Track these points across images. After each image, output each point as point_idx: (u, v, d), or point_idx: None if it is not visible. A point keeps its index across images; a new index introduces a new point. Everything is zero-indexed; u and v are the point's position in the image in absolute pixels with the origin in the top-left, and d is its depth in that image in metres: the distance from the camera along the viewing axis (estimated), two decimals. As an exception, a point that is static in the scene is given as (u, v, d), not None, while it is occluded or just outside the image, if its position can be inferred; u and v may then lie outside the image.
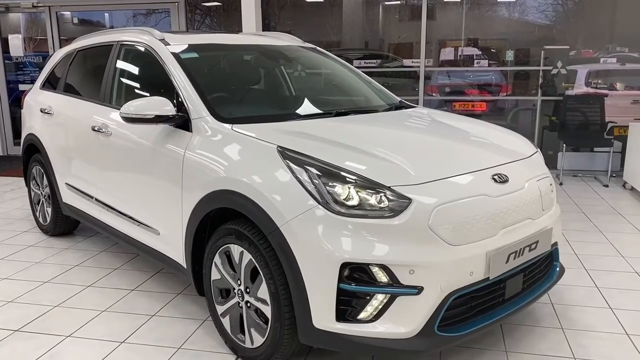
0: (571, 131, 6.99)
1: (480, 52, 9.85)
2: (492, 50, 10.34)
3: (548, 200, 2.84)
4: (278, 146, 2.55)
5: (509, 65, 9.05)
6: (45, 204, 4.65)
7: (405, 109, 3.71)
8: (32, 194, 4.87)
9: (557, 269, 3.01)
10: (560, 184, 6.35)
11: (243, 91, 3.61)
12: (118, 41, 3.83)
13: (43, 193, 4.65)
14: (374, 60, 9.23)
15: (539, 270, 2.86)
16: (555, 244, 2.93)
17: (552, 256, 2.98)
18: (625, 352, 2.83)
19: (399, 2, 12.08)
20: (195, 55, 3.48)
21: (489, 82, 9.29)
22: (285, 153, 2.50)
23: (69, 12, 9.24)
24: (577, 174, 7.06)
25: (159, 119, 2.95)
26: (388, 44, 11.22)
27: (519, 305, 2.66)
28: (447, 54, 10.31)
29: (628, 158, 6.30)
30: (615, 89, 8.11)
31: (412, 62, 8.49)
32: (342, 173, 2.38)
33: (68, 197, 4.21)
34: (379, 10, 11.44)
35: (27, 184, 4.93)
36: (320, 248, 2.27)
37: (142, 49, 3.55)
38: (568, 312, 3.25)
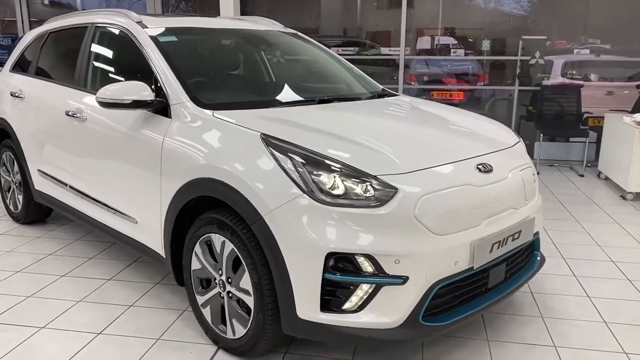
0: (548, 121, 7.07)
1: (456, 42, 9.88)
2: (469, 39, 10.38)
3: (530, 190, 2.85)
4: (262, 133, 2.49)
5: (484, 54, 9.09)
6: (16, 191, 4.51)
7: (388, 97, 3.68)
8: (2, 180, 4.71)
9: (538, 258, 3.03)
10: (537, 173, 6.41)
11: (224, 77, 3.53)
12: (93, 23, 3.70)
13: (14, 180, 4.50)
14: (352, 48, 9.19)
15: (521, 260, 2.87)
16: (537, 233, 2.95)
17: (533, 245, 2.99)
18: (604, 339, 2.87)
19: (377, -11, 12.03)
20: (174, 38, 3.38)
21: (466, 71, 9.34)
22: (269, 140, 2.45)
23: (38, -6, 8.98)
24: (553, 163, 7.16)
25: (136, 104, 2.86)
26: (366, 32, 11.18)
27: (501, 294, 2.67)
28: (424, 42, 10.32)
29: (603, 148, 6.39)
30: (590, 79, 8.23)
31: (390, 50, 8.47)
32: (327, 161, 2.34)
33: (40, 184, 4.08)
34: (358, -2, 11.38)
35: (-3, 171, 4.77)
36: (305, 238, 2.23)
37: (118, 31, 3.43)
38: (547, 300, 3.28)
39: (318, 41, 4.19)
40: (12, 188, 4.57)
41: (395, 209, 2.25)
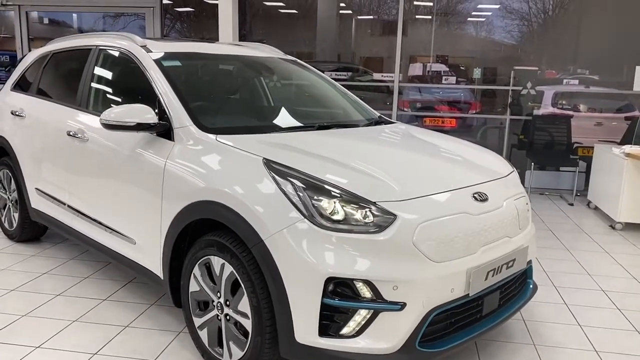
0: (539, 150, 7.19)
1: (447, 69, 10.06)
2: (461, 67, 10.58)
3: (524, 219, 2.92)
4: (264, 158, 2.54)
5: (476, 83, 9.26)
6: (12, 209, 4.51)
7: (385, 124, 3.76)
8: (-2, 198, 4.71)
9: (531, 286, 3.08)
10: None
11: (226, 101, 3.60)
12: (97, 45, 3.76)
13: (10, 197, 4.51)
14: (346, 73, 9.32)
15: (514, 288, 2.93)
16: (530, 261, 3.00)
17: (526, 274, 3.04)
18: (595, 368, 2.92)
19: (371, 17, 12.24)
20: (177, 63, 3.45)
21: (458, 99, 9.48)
22: (270, 165, 2.50)
23: (36, 12, 9.05)
24: (544, 192, 7.26)
25: (140, 127, 2.91)
26: (359, 57, 11.35)
27: (495, 321, 2.71)
28: (416, 69, 10.50)
29: (592, 178, 6.50)
30: (579, 110, 8.39)
31: (383, 76, 8.60)
32: (328, 187, 2.39)
33: (37, 202, 4.09)
34: (352, 24, 11.58)
35: (-7, 188, 4.77)
36: (305, 262, 2.27)
37: (123, 54, 3.49)
38: (539, 328, 3.32)
39: (312, 66, 4.28)
40: (7, 206, 4.57)
41: (393, 235, 2.30)
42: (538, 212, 6.09)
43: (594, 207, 6.41)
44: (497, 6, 10.69)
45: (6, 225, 4.62)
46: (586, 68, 9.52)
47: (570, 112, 8.09)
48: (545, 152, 7.20)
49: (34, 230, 4.45)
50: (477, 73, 9.24)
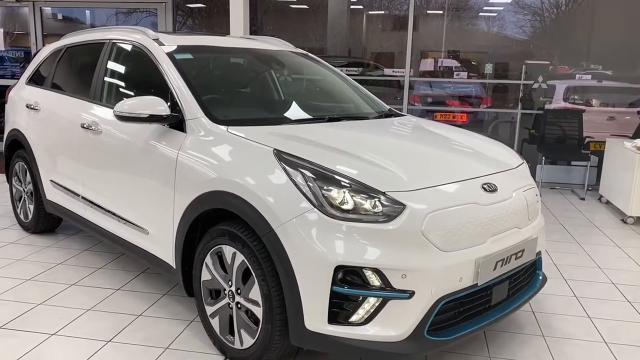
0: (550, 144, 7.16)
1: (459, 64, 10.02)
2: (472, 62, 10.52)
3: (534, 210, 2.93)
4: (274, 149, 2.58)
5: (487, 77, 9.22)
6: (27, 201, 4.59)
7: (395, 117, 3.78)
8: (14, 190, 4.79)
9: (540, 277, 3.09)
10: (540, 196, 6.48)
11: (237, 94, 3.63)
12: (110, 39, 3.81)
13: (25, 190, 4.58)
14: (356, 68, 9.32)
15: (523, 279, 2.94)
16: (539, 253, 3.01)
17: (535, 265, 3.05)
18: (604, 359, 2.92)
19: (382, 12, 12.22)
20: (189, 56, 3.49)
21: (469, 94, 9.45)
22: (281, 155, 2.53)
23: (49, 8, 9.13)
24: (554, 186, 7.23)
25: (152, 119, 2.95)
26: (370, 53, 11.34)
27: (504, 311, 2.73)
28: (427, 64, 10.46)
29: (604, 173, 6.47)
30: (591, 105, 8.34)
31: (394, 71, 8.59)
32: (337, 177, 2.42)
33: (52, 194, 4.16)
34: (363, 19, 11.56)
35: (9, 181, 4.85)
36: (315, 251, 2.31)
37: (136, 48, 3.54)
38: (548, 320, 3.33)
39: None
40: (23, 198, 4.65)
41: (402, 224, 2.32)
42: (549, 207, 6.08)
43: (606, 202, 6.38)
44: (509, 1, 10.62)
45: (22, 217, 4.70)
46: (599, 63, 9.44)
47: (582, 107, 8.04)
48: (556, 146, 7.17)
49: (48, 221, 4.52)
50: (488, 68, 9.19)
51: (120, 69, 3.78)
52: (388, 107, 3.98)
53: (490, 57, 10.17)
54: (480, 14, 11.56)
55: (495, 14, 11.68)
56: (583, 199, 6.64)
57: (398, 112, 3.93)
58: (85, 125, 3.63)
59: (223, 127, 2.86)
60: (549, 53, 10.31)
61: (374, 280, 2.30)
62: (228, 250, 2.65)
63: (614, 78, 8.57)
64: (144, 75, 3.54)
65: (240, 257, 2.58)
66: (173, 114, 2.98)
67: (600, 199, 6.54)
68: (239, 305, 2.65)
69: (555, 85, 8.26)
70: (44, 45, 7.05)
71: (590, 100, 8.43)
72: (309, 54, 4.30)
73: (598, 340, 3.12)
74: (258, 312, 2.53)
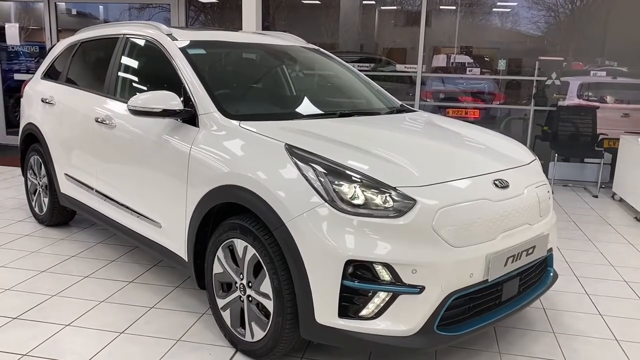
0: (563, 141, 7.11)
1: (472, 60, 9.96)
2: (485, 58, 10.46)
3: (545, 207, 2.92)
4: (286, 144, 2.59)
5: (500, 74, 9.16)
6: (42, 194, 4.65)
7: (407, 112, 3.78)
8: (29, 183, 4.86)
9: (551, 274, 3.08)
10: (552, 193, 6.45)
11: (249, 89, 3.65)
12: (124, 34, 3.85)
13: (40, 183, 4.64)
14: (369, 64, 9.31)
15: (534, 275, 2.93)
16: (551, 249, 3.00)
17: (546, 262, 3.05)
18: (615, 356, 2.91)
19: (395, 7, 12.18)
20: (202, 51, 3.51)
21: (482, 90, 9.40)
22: (292, 150, 2.55)
23: (63, 3, 9.21)
24: (567, 183, 7.19)
25: (165, 113, 2.98)
26: (382, 48, 11.31)
27: (514, 308, 2.73)
28: (440, 60, 10.41)
29: (618, 170, 6.42)
30: (606, 101, 8.26)
31: (406, 67, 8.57)
32: (348, 172, 2.43)
33: (66, 187, 4.21)
34: (375, 15, 11.53)
35: (24, 174, 4.91)
36: (326, 245, 2.32)
37: (149, 43, 3.57)
38: (559, 317, 3.33)
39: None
40: (38, 191, 4.71)
41: (413, 220, 2.33)
42: (561, 204, 6.04)
43: (619, 199, 6.33)
44: (523, -4, 10.54)
45: (36, 209, 4.76)
46: (614, 60, 9.34)
47: (596, 103, 7.97)
48: (570, 143, 7.12)
49: (62, 214, 4.58)
50: (501, 64, 9.13)
51: (134, 63, 3.82)
52: (400, 102, 3.98)
53: (503, 53, 10.11)
54: (494, 9, 11.48)
55: (509, 10, 11.59)
56: (596, 196, 6.60)
57: (410, 107, 3.93)
58: (99, 120, 3.67)
59: (235, 122, 2.88)
60: (563, 49, 10.21)
61: (384, 275, 2.31)
62: (239, 244, 2.67)
63: (630, 75, 8.48)
64: (157, 70, 3.57)
65: (251, 251, 2.60)
66: (186, 108, 3.01)
67: (614, 197, 6.49)
68: (250, 298, 2.68)
69: (568, 81, 8.19)
70: (58, 40, 7.13)
71: (604, 97, 8.35)
72: (321, 49, 4.30)
73: (609, 337, 3.11)
74: (269, 305, 2.55)
